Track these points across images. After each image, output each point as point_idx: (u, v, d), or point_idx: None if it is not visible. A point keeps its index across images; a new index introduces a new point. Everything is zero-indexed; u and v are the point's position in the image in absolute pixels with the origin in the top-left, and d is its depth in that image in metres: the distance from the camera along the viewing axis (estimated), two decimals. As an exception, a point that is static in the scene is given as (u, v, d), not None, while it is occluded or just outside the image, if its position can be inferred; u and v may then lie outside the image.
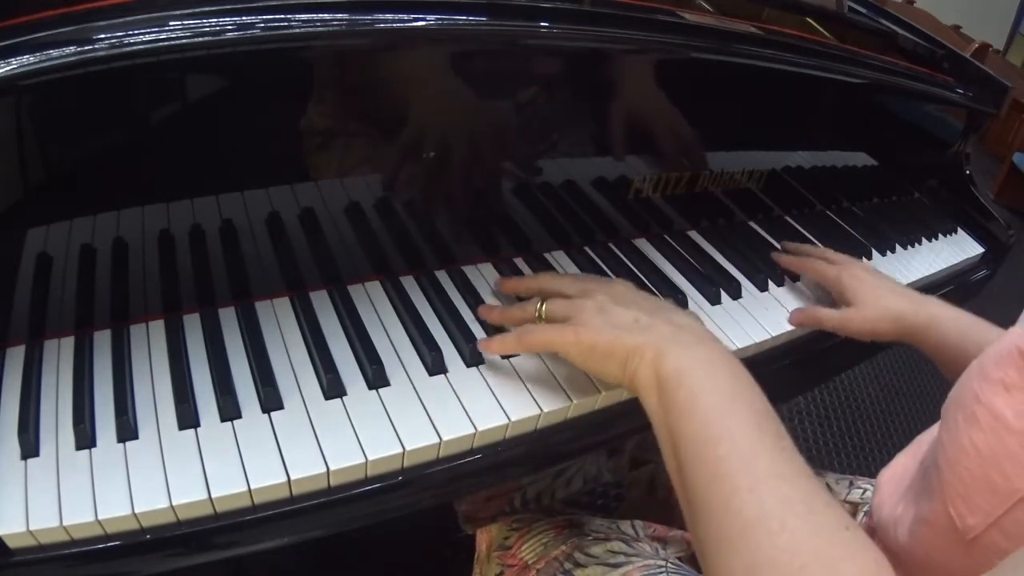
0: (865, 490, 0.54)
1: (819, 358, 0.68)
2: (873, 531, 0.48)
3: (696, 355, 0.45)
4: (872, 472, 1.64)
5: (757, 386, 0.44)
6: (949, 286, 0.86)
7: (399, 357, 0.52)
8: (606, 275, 0.65)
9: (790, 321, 0.66)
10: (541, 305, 0.51)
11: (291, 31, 0.43)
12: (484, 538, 0.70)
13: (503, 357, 0.53)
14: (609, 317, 0.48)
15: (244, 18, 0.41)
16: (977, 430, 0.37)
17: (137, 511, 0.39)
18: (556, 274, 0.56)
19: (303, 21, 0.43)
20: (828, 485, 0.65)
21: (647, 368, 0.45)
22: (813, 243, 0.78)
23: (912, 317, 0.63)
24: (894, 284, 0.68)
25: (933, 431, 0.51)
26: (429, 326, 0.54)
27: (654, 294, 0.62)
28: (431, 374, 0.51)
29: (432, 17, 0.47)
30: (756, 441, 0.39)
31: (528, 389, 0.51)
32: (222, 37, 0.40)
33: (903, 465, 0.51)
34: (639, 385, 0.46)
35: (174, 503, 0.40)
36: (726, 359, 0.45)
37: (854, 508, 0.53)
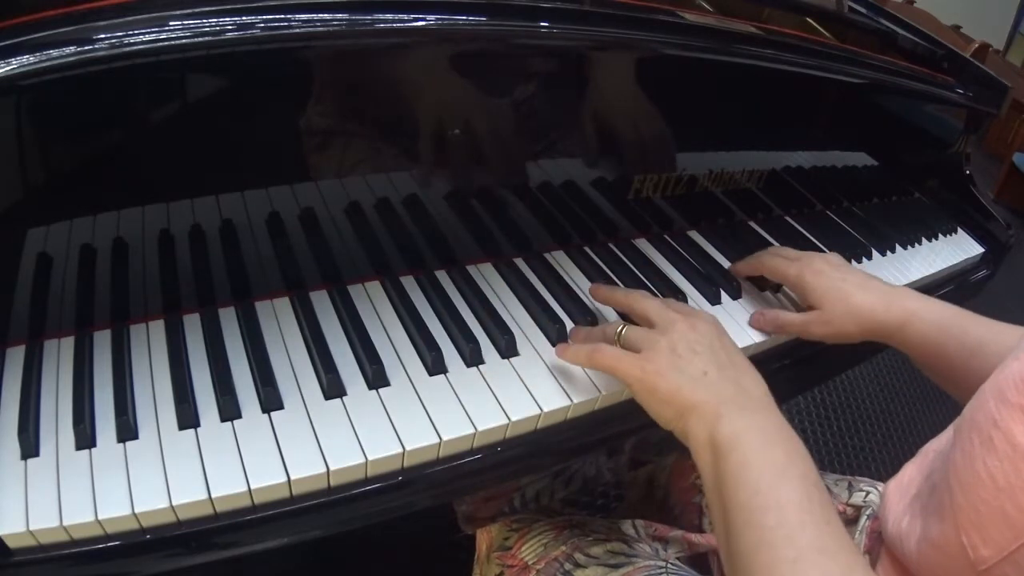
0: (867, 492, 0.53)
1: (819, 358, 0.68)
2: (878, 535, 0.48)
3: (753, 422, 0.44)
4: (872, 472, 1.63)
5: (809, 457, 0.44)
6: (949, 286, 0.86)
7: (399, 357, 0.52)
8: (606, 275, 0.65)
9: (750, 324, 0.64)
10: (622, 329, 0.51)
11: (291, 31, 0.43)
12: (484, 538, 0.70)
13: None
14: (679, 361, 0.48)
15: (244, 18, 0.41)
16: (993, 457, 0.36)
17: (137, 511, 0.39)
18: (647, 295, 0.55)
19: (303, 21, 0.43)
20: (828, 486, 0.65)
21: (703, 428, 0.45)
22: (813, 243, 0.78)
23: (883, 315, 0.59)
24: (863, 278, 0.62)
25: (941, 440, 0.50)
26: (429, 326, 0.54)
27: (654, 295, 0.62)
28: (431, 374, 0.51)
29: (432, 17, 0.47)
30: (805, 512, 0.39)
31: (528, 389, 0.51)
32: (222, 37, 0.40)
33: (909, 476, 0.50)
34: (693, 442, 0.46)
35: (174, 503, 0.40)
36: (782, 428, 0.45)
37: (857, 512, 0.52)
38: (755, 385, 0.48)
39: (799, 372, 0.69)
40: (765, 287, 0.68)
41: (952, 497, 0.39)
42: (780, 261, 0.65)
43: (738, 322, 0.64)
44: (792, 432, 0.45)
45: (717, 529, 0.44)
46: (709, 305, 0.65)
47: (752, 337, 0.63)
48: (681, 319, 0.51)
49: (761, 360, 0.63)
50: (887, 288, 0.61)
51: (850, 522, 0.52)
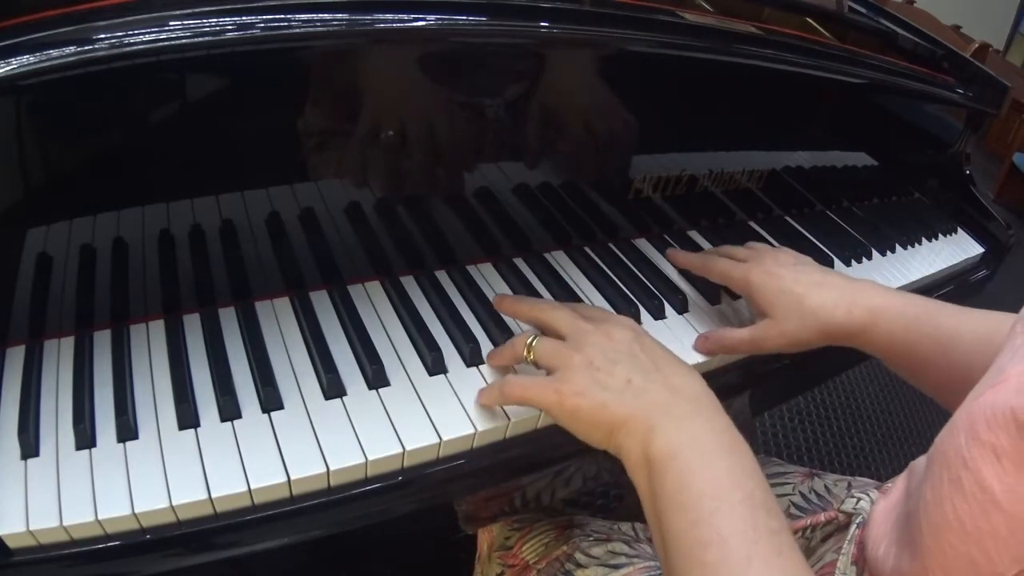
0: (859, 499, 0.49)
1: (819, 358, 0.68)
2: (864, 545, 0.47)
3: (690, 433, 0.40)
4: (872, 472, 1.63)
5: (756, 468, 0.39)
6: (949, 286, 0.86)
7: (399, 357, 0.52)
8: (606, 276, 0.65)
9: (694, 348, 0.57)
10: (532, 340, 0.47)
11: (291, 31, 0.43)
12: (485, 538, 0.70)
13: None
14: (598, 375, 0.43)
15: (244, 18, 0.41)
16: (962, 499, 0.33)
17: (137, 511, 0.39)
18: (553, 305, 0.50)
19: (303, 21, 0.43)
20: (827, 486, 0.65)
21: (636, 444, 0.41)
22: (813, 243, 0.78)
23: (845, 317, 0.53)
24: (818, 276, 0.56)
25: (923, 460, 0.48)
26: (429, 326, 0.54)
27: (655, 295, 0.62)
28: (431, 374, 0.51)
29: (432, 17, 0.47)
30: (751, 543, 0.35)
31: (528, 389, 0.51)
32: (222, 37, 0.40)
33: (895, 497, 0.46)
34: (626, 460, 0.42)
35: (174, 503, 0.40)
36: (722, 437, 0.41)
37: (848, 519, 0.49)
38: (687, 384, 0.44)
39: (799, 372, 0.69)
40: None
41: (922, 537, 0.36)
42: (724, 263, 0.59)
43: (738, 322, 0.64)
44: (735, 437, 0.41)
45: (659, 555, 0.40)
46: (709, 305, 0.65)
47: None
48: (593, 328, 0.46)
49: (761, 360, 0.63)
50: (845, 285, 0.55)
51: (841, 529, 0.51)
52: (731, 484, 0.38)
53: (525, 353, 0.47)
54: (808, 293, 0.54)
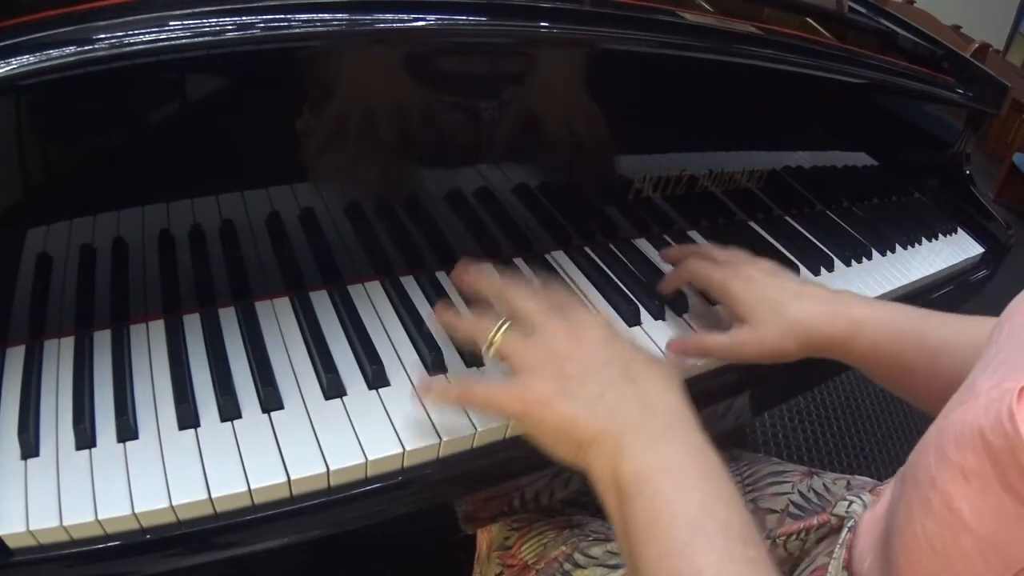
0: (851, 502, 0.48)
1: (819, 358, 0.68)
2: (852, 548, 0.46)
3: (662, 455, 0.38)
4: (872, 472, 1.62)
5: (732, 493, 0.38)
6: (949, 286, 0.86)
7: (399, 357, 0.52)
8: (606, 276, 0.64)
9: (668, 347, 0.55)
10: (496, 332, 0.43)
11: (291, 31, 0.43)
12: (484, 538, 0.70)
13: None
14: (569, 384, 0.40)
15: (244, 18, 0.41)
16: (931, 520, 0.32)
17: (137, 511, 0.39)
18: (521, 288, 0.45)
19: (303, 21, 0.43)
20: (826, 485, 0.65)
21: (605, 464, 0.39)
22: (813, 243, 0.78)
23: (827, 328, 0.51)
24: (799, 285, 0.55)
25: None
26: (429, 326, 0.54)
27: (655, 295, 0.62)
28: (431, 374, 0.51)
29: (432, 17, 0.47)
30: (728, 575, 0.34)
31: (528, 389, 0.51)
32: (222, 37, 0.40)
33: (881, 509, 0.44)
34: (594, 479, 0.40)
35: (174, 503, 0.40)
36: (696, 460, 0.38)
37: (840, 522, 0.48)
38: (663, 398, 0.41)
39: (799, 372, 0.69)
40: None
41: (896, 556, 0.35)
42: (703, 265, 0.57)
43: (731, 323, 0.63)
44: (711, 460, 0.39)
45: (630, 573, 0.39)
46: (709, 306, 0.65)
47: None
48: (565, 328, 0.43)
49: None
50: (828, 295, 0.54)
51: (833, 532, 0.51)
52: (705, 513, 0.36)
53: (487, 343, 0.43)
54: (790, 303, 0.53)
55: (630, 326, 0.59)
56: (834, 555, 0.46)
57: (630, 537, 0.37)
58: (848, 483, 0.64)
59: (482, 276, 0.48)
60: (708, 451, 0.39)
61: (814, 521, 0.51)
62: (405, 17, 0.46)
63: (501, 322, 0.44)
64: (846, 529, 0.46)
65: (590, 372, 0.41)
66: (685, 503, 0.36)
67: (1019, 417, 0.27)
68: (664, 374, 0.43)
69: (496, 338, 0.43)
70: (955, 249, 0.91)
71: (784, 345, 0.52)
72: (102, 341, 0.49)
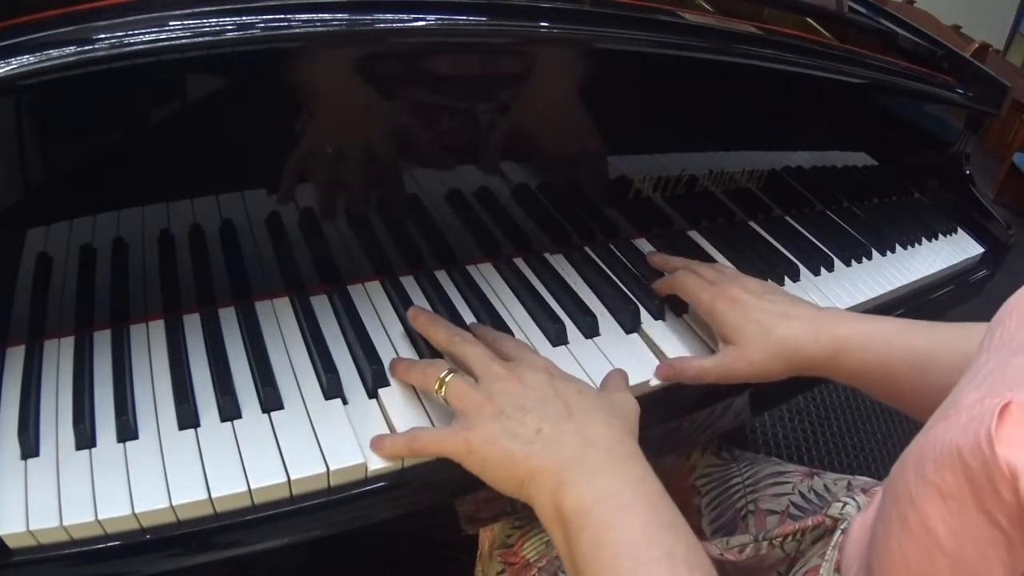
0: (845, 504, 0.48)
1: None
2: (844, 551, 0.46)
3: (603, 487, 0.39)
4: (872, 472, 1.62)
5: (676, 519, 0.38)
6: (949, 286, 0.86)
7: (399, 357, 0.52)
8: (606, 276, 0.64)
9: (655, 375, 0.55)
10: (446, 375, 0.45)
11: (291, 31, 0.43)
12: (487, 536, 0.70)
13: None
14: (509, 424, 0.42)
15: (244, 18, 0.41)
16: (908, 538, 0.31)
17: (137, 511, 0.39)
18: (468, 339, 0.48)
19: (303, 21, 0.43)
20: (826, 485, 0.65)
21: (546, 498, 0.40)
22: (813, 243, 0.78)
23: (812, 347, 0.52)
24: (785, 305, 0.55)
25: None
26: (429, 326, 0.54)
27: (655, 295, 0.62)
28: (431, 374, 0.51)
29: (432, 17, 0.47)
30: None
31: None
32: (222, 37, 0.40)
33: (870, 517, 0.44)
34: (539, 513, 0.41)
35: (174, 503, 0.40)
36: (638, 490, 0.39)
37: (834, 523, 0.49)
38: (604, 433, 0.42)
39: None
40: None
41: (875, 570, 0.35)
42: (695, 282, 0.58)
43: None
44: (653, 487, 0.39)
45: None
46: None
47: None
48: (506, 373, 0.45)
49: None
50: (813, 314, 0.54)
51: (827, 532, 0.50)
52: (648, 541, 0.37)
53: (436, 387, 0.46)
54: (775, 324, 0.53)
55: (629, 330, 0.59)
56: (826, 557, 0.46)
57: (577, 569, 0.38)
58: (849, 484, 0.64)
59: (430, 325, 0.51)
60: (649, 479, 0.40)
61: (809, 522, 0.51)
62: (405, 17, 0.46)
63: (449, 368, 0.46)
64: (839, 531, 0.46)
65: (529, 411, 0.43)
66: (627, 532, 0.37)
67: (997, 439, 0.26)
68: (604, 409, 0.44)
69: (447, 380, 0.45)
70: (955, 249, 0.91)
71: (770, 366, 0.53)
72: (102, 341, 0.49)
